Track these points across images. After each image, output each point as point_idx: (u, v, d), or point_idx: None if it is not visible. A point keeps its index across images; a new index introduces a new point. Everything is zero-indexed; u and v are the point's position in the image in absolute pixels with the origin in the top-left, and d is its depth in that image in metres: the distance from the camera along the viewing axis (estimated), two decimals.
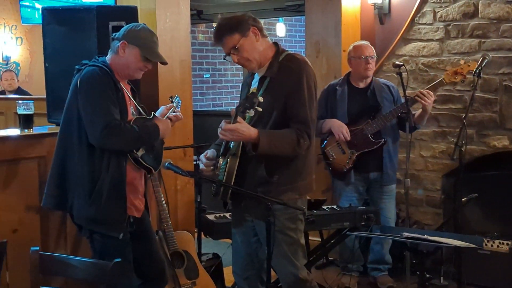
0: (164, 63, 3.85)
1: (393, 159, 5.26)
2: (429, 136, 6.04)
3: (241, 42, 3.48)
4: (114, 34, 3.75)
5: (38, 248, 3.02)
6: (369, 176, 5.28)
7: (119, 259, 2.85)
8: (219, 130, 3.42)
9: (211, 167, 3.59)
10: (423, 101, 5.01)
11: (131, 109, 3.76)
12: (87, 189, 3.58)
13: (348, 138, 5.10)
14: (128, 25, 3.75)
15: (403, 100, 5.06)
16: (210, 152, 3.64)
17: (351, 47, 5.34)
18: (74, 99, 3.60)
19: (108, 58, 3.72)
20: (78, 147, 3.60)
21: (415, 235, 3.64)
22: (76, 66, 3.70)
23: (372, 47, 5.31)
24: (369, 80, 5.30)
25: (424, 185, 6.11)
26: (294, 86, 3.48)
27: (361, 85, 5.31)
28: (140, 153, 3.69)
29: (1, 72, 9.16)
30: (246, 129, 3.39)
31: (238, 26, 3.49)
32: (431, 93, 5.05)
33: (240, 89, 3.97)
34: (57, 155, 3.72)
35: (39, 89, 5.59)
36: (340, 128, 5.12)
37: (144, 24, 3.81)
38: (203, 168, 3.63)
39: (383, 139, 5.14)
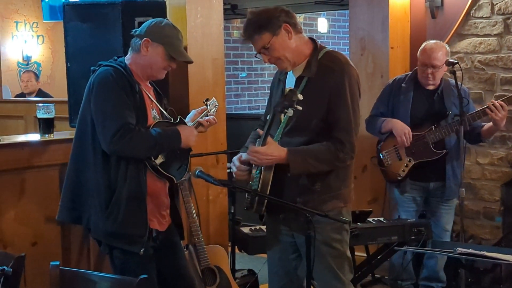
0: (189, 62, 3.85)
1: (456, 171, 5.10)
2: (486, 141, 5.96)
3: (271, 42, 3.43)
4: (134, 30, 3.73)
5: (58, 262, 3.02)
6: (429, 186, 5.17)
7: (145, 276, 2.84)
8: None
9: (246, 171, 3.53)
10: (493, 115, 4.85)
11: (153, 113, 3.74)
12: (103, 201, 3.57)
13: (409, 143, 5.01)
14: (150, 20, 3.73)
15: (473, 107, 4.96)
16: (245, 156, 3.55)
17: (423, 45, 5.12)
18: (88, 103, 3.61)
19: (128, 57, 3.71)
20: (92, 155, 3.60)
21: (470, 250, 3.59)
22: (92, 68, 3.71)
23: (444, 52, 5.02)
24: (437, 82, 5.14)
25: (481, 196, 6.03)
26: (336, 89, 3.43)
27: (430, 86, 5.16)
28: (159, 160, 3.66)
29: (21, 73, 9.29)
30: (276, 151, 3.39)
31: (268, 24, 3.42)
32: (505, 106, 4.87)
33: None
34: (71, 164, 3.72)
35: (62, 91, 5.65)
36: (402, 130, 5.01)
37: (167, 19, 3.81)
38: (236, 173, 3.58)
39: (444, 150, 5.02)
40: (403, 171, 5.09)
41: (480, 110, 4.93)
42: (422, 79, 5.09)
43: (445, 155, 5.03)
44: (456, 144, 5.09)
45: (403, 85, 5.20)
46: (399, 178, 5.12)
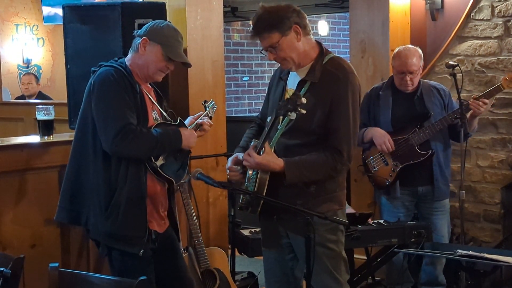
0: (187, 64, 3.82)
1: (444, 171, 5.11)
2: (486, 144, 5.96)
3: (280, 42, 3.40)
4: (136, 31, 3.74)
5: (57, 264, 3.02)
6: (418, 190, 5.15)
7: (144, 277, 2.83)
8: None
9: (239, 172, 3.53)
10: (475, 109, 4.91)
11: (153, 114, 3.73)
12: (103, 202, 3.56)
13: (391, 149, 5.02)
14: (152, 22, 3.74)
15: (455, 105, 4.98)
16: (240, 156, 3.54)
17: (395, 51, 5.13)
18: (88, 103, 3.60)
19: (128, 57, 3.71)
20: (93, 156, 3.59)
21: (470, 252, 3.58)
22: (92, 68, 3.71)
23: (418, 56, 5.02)
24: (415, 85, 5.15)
25: (481, 198, 6.02)
26: (339, 98, 3.42)
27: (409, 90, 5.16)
28: (159, 162, 3.65)
29: (21, 76, 9.30)
30: (271, 163, 3.39)
31: (278, 23, 3.39)
32: (486, 101, 4.93)
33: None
34: (71, 165, 3.72)
35: (62, 94, 5.65)
36: (382, 138, 5.03)
37: (170, 22, 3.81)
38: (229, 174, 3.57)
39: (430, 151, 5.02)
40: (391, 175, 5.08)
41: (465, 101, 4.93)
42: (401, 86, 5.08)
43: (431, 156, 5.03)
44: (442, 144, 5.10)
45: (380, 92, 5.20)
46: (387, 183, 5.11)
